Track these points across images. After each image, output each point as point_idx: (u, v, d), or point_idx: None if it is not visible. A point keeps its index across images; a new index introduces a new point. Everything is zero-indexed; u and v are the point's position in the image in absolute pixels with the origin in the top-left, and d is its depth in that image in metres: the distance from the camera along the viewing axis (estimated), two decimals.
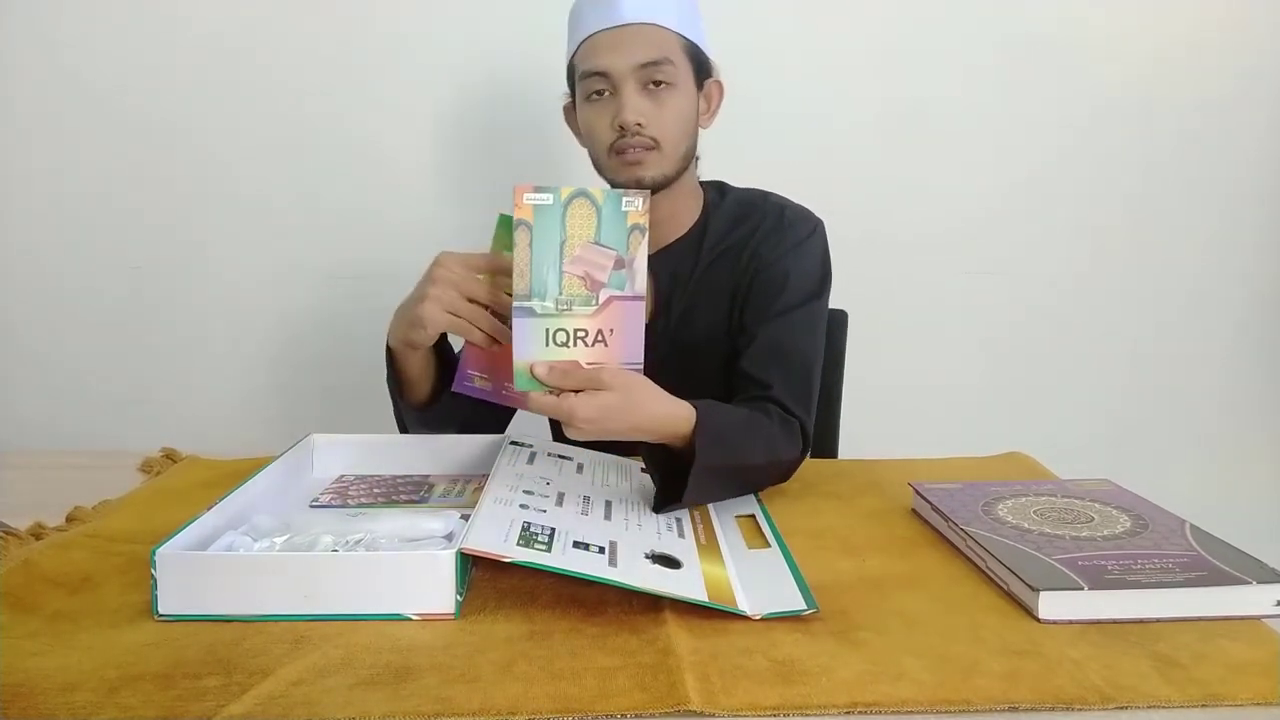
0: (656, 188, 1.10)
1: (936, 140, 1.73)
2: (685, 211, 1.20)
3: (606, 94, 1.10)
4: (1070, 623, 0.72)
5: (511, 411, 1.12)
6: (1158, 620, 0.73)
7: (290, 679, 0.63)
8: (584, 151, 1.17)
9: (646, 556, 0.80)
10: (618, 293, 0.87)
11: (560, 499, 0.90)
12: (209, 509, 0.81)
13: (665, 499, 0.93)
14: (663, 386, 0.92)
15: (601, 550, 0.78)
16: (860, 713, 0.61)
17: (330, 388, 1.74)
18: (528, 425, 1.14)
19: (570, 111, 1.20)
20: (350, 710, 0.60)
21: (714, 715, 0.60)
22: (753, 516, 0.96)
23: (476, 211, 1.66)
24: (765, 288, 1.15)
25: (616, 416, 0.87)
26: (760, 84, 1.63)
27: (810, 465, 1.09)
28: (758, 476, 1.01)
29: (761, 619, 0.73)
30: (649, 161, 1.09)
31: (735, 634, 0.71)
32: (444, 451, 1.10)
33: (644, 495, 0.97)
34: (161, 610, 0.72)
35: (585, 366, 0.87)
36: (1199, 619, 0.73)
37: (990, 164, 1.75)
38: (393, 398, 1.12)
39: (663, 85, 1.09)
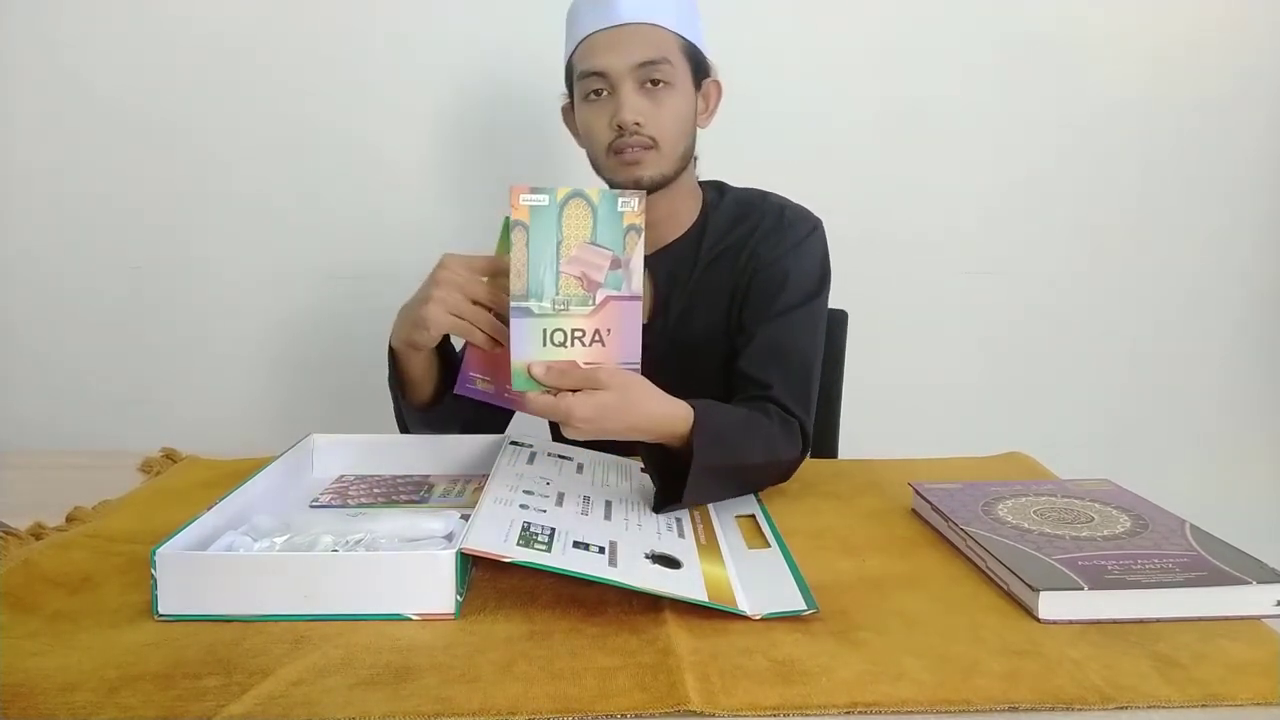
0: (655, 187, 1.10)
1: (936, 140, 1.73)
2: (684, 211, 1.20)
3: (605, 94, 1.10)
4: (1070, 623, 0.72)
5: (513, 413, 1.12)
6: (1158, 620, 0.73)
7: (290, 679, 0.63)
8: (583, 152, 1.17)
9: (646, 556, 0.80)
10: (614, 293, 0.87)
11: (560, 499, 0.90)
12: (209, 509, 0.81)
13: (665, 499, 0.93)
14: (661, 386, 0.92)
15: (601, 550, 0.78)
16: (860, 713, 0.61)
17: (330, 388, 1.74)
18: (528, 425, 1.14)
19: (568, 112, 1.20)
20: (350, 710, 0.60)
21: (714, 715, 0.60)
22: (753, 516, 0.96)
23: (476, 211, 1.68)
24: (764, 287, 1.15)
25: (614, 416, 0.87)
26: (759, 84, 1.64)
27: (810, 465, 1.09)
28: (757, 476, 1.01)
29: (761, 619, 0.73)
30: (647, 161, 1.09)
31: (735, 634, 0.71)
32: (444, 451, 1.10)
33: (644, 495, 0.97)
34: (161, 610, 0.72)
35: (583, 366, 0.87)
36: (1199, 619, 0.73)
37: (989, 164, 1.75)
38: (394, 398, 1.12)
39: (661, 85, 1.09)
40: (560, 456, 1.05)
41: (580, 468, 1.03)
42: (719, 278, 1.18)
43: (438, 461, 1.09)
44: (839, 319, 1.40)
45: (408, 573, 0.73)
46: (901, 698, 0.62)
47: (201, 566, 0.73)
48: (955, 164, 1.74)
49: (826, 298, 1.18)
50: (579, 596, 0.76)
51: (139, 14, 1.63)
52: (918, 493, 0.97)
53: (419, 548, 0.80)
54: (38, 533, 0.91)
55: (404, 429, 1.16)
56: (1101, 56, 1.73)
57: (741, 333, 1.15)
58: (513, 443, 1.06)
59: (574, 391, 0.86)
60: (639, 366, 0.89)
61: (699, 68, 1.14)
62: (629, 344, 0.88)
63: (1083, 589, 0.73)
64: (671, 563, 0.80)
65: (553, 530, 0.80)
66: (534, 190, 0.85)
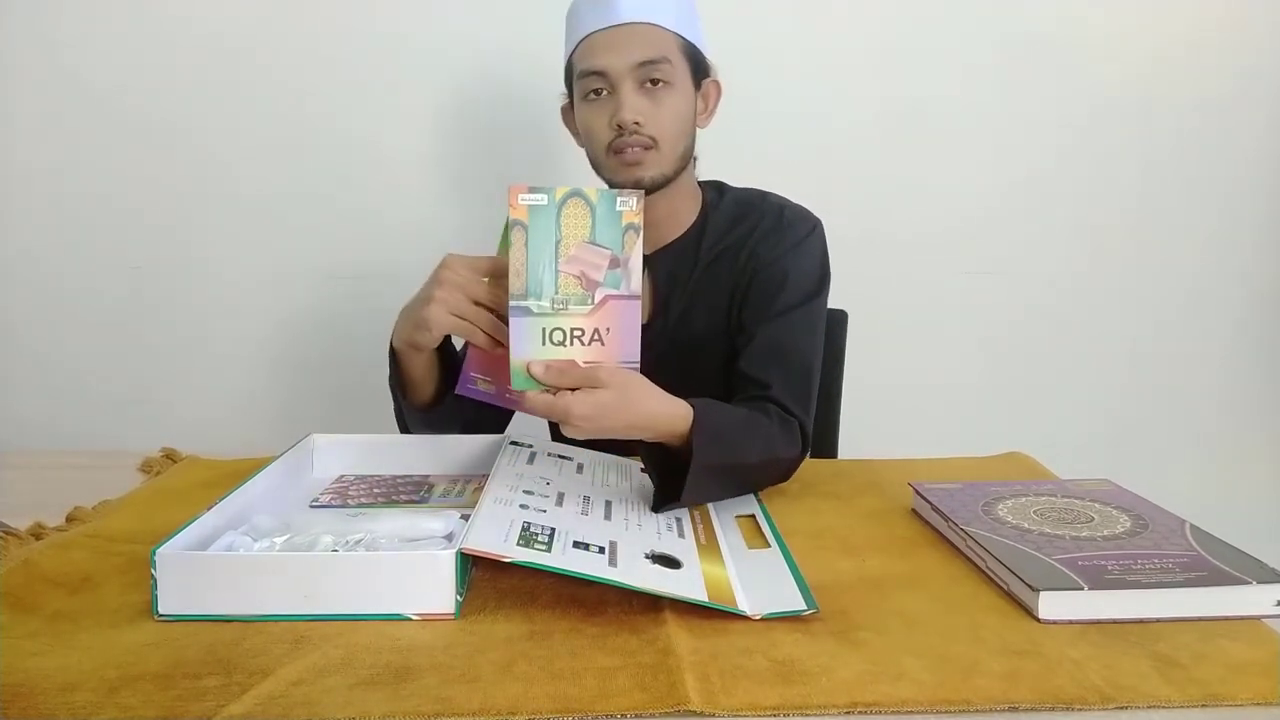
0: (655, 187, 1.10)
1: (936, 140, 1.73)
2: (684, 211, 1.20)
3: (604, 93, 1.10)
4: (1070, 623, 0.72)
5: (513, 413, 1.12)
6: (1158, 620, 0.73)
7: (290, 679, 0.63)
8: (583, 152, 1.17)
9: (646, 556, 0.80)
10: (613, 292, 0.87)
11: (560, 499, 0.90)
12: (209, 509, 0.81)
13: (664, 498, 0.93)
14: (661, 386, 0.92)
15: (601, 550, 0.78)
16: (860, 713, 0.61)
17: (330, 388, 1.74)
18: (527, 425, 1.14)
19: (568, 112, 1.20)
20: (350, 710, 0.60)
21: (714, 715, 0.60)
22: (753, 516, 0.96)
23: (476, 211, 1.68)
24: (764, 287, 1.15)
25: (613, 414, 0.87)
26: (759, 84, 1.64)
27: (810, 465, 1.09)
28: (756, 476, 1.01)
29: (761, 619, 0.73)
30: (648, 161, 1.09)
31: (735, 634, 0.71)
32: (444, 451, 1.10)
33: (644, 495, 0.97)
34: (161, 610, 0.72)
35: (582, 365, 0.87)
36: (1199, 619, 0.73)
37: (989, 163, 1.75)
38: (395, 398, 1.12)
39: (660, 84, 1.09)
40: (560, 456, 1.05)
41: (580, 468, 1.03)
42: (719, 278, 1.18)
43: (438, 461, 1.09)
44: (839, 319, 1.40)
45: (408, 573, 0.73)
46: (901, 698, 0.62)
47: (201, 566, 0.73)
48: (955, 164, 1.74)
49: (826, 298, 1.18)
50: (579, 596, 0.76)
51: (139, 14, 1.63)
52: (918, 493, 0.97)
53: (419, 548, 0.80)
54: (38, 533, 0.91)
55: (404, 429, 1.16)
56: (1101, 56, 1.73)
57: (741, 333, 1.15)
58: (513, 443, 1.06)
59: (573, 390, 0.86)
60: (638, 365, 0.89)
61: (699, 68, 1.14)
62: (628, 343, 0.89)
63: (1083, 589, 0.73)
64: (671, 563, 0.80)
65: (553, 530, 0.80)
66: (532, 189, 0.85)
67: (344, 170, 1.69)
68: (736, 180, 1.26)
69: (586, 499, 0.92)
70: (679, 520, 0.91)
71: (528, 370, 0.87)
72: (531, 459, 1.01)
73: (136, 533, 0.89)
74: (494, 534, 0.76)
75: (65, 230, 1.69)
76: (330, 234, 1.71)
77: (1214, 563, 0.77)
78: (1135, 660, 0.67)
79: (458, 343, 1.08)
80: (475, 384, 1.01)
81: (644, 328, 0.90)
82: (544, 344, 0.87)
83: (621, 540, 0.82)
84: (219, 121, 1.66)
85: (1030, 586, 0.74)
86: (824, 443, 1.40)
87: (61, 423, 1.72)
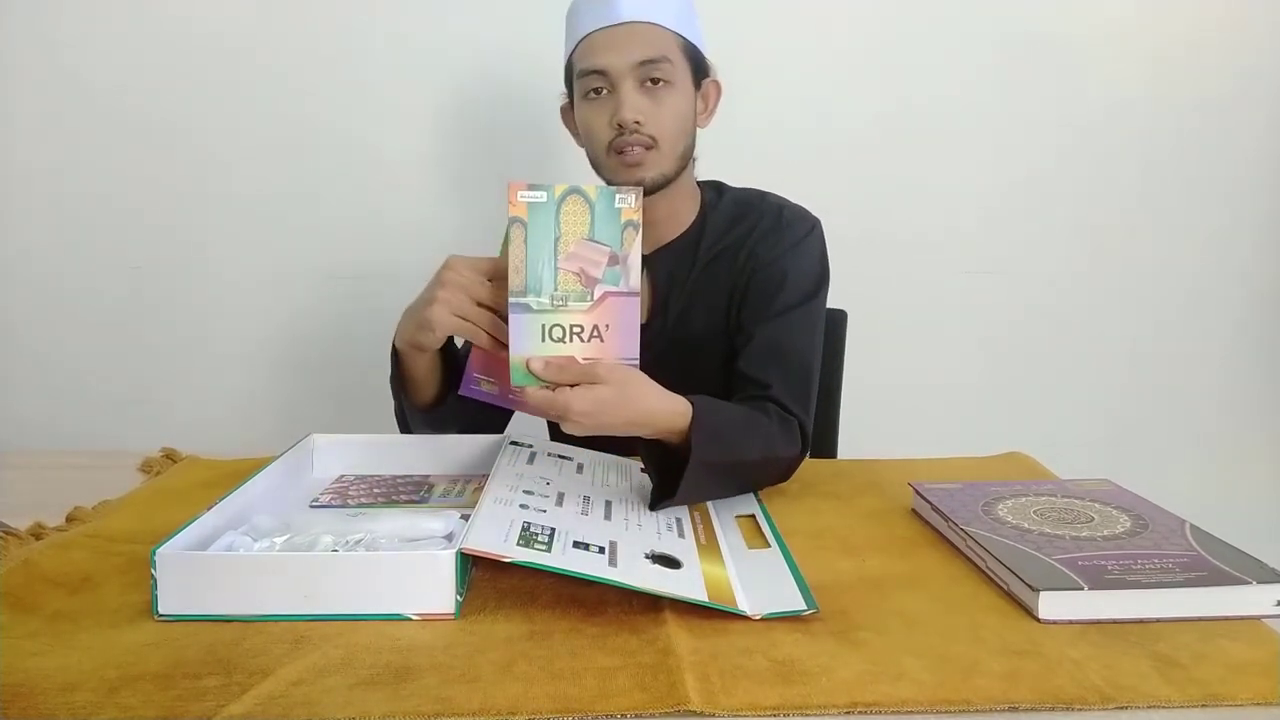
0: (655, 187, 1.10)
1: (936, 140, 1.73)
2: (683, 211, 1.20)
3: (605, 92, 1.10)
4: (1070, 623, 0.72)
5: (513, 412, 1.12)
6: (1158, 620, 0.73)
7: (290, 679, 0.63)
8: (583, 152, 1.17)
9: (646, 556, 0.80)
10: (612, 288, 0.88)
11: (560, 499, 0.90)
12: (209, 509, 0.81)
13: (661, 495, 0.93)
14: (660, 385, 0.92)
15: (601, 550, 0.78)
16: (860, 713, 0.61)
17: (330, 388, 1.74)
18: (527, 425, 1.14)
19: (567, 111, 1.20)
20: (350, 710, 0.60)
21: (714, 715, 0.60)
22: (753, 516, 0.96)
23: (476, 211, 1.68)
24: (763, 287, 1.15)
25: (612, 410, 0.87)
26: (759, 84, 1.64)
27: (810, 465, 1.09)
28: (755, 474, 1.01)
29: (761, 619, 0.73)
30: (648, 161, 1.09)
31: (735, 634, 0.71)
32: (444, 451, 1.10)
33: (644, 495, 0.97)
34: (161, 610, 0.72)
35: (581, 361, 0.87)
36: (1199, 619, 0.73)
37: (989, 164, 1.75)
38: (396, 398, 1.12)
39: (661, 83, 1.09)
40: (560, 456, 1.05)
41: (580, 468, 1.03)
42: (718, 277, 1.18)
43: (438, 461, 1.09)
44: (839, 319, 1.40)
45: (408, 573, 0.73)
46: (901, 698, 0.62)
47: (201, 566, 0.73)
48: (955, 164, 1.74)
49: (825, 297, 1.18)
50: (579, 596, 0.76)
51: (139, 14, 1.63)
52: (918, 493, 0.97)
53: (419, 548, 0.80)
54: (38, 533, 0.91)
55: (404, 429, 1.16)
56: (1101, 56, 1.73)
57: (740, 333, 1.15)
58: (513, 443, 1.06)
59: (572, 386, 0.86)
60: (638, 361, 0.90)
61: (698, 67, 1.14)
62: (627, 340, 0.89)
63: (1083, 589, 0.73)
64: (671, 563, 0.80)
65: (553, 530, 0.80)
66: (532, 187, 0.86)
67: (344, 170, 1.69)
68: (736, 180, 1.26)
69: (586, 499, 0.92)
70: (679, 520, 0.91)
71: (527, 366, 0.87)
72: (531, 459, 1.01)
73: (136, 533, 0.89)
74: (494, 534, 0.76)
75: (65, 230, 1.69)
76: (330, 234, 1.71)
77: (1214, 563, 0.77)
78: (1135, 660, 0.67)
79: (458, 343, 1.08)
80: (478, 385, 1.02)
81: (643, 327, 0.90)
82: (543, 340, 0.87)
83: (621, 540, 0.82)
84: (219, 121, 1.66)
85: (1030, 586, 0.74)
86: (824, 443, 1.40)
87: (61, 423, 1.72)
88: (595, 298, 0.87)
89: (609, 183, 1.12)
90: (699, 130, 1.17)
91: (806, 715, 0.61)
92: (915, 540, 0.91)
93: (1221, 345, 1.85)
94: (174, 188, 1.68)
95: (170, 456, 1.18)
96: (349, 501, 0.98)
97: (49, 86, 1.64)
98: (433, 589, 0.73)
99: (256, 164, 1.68)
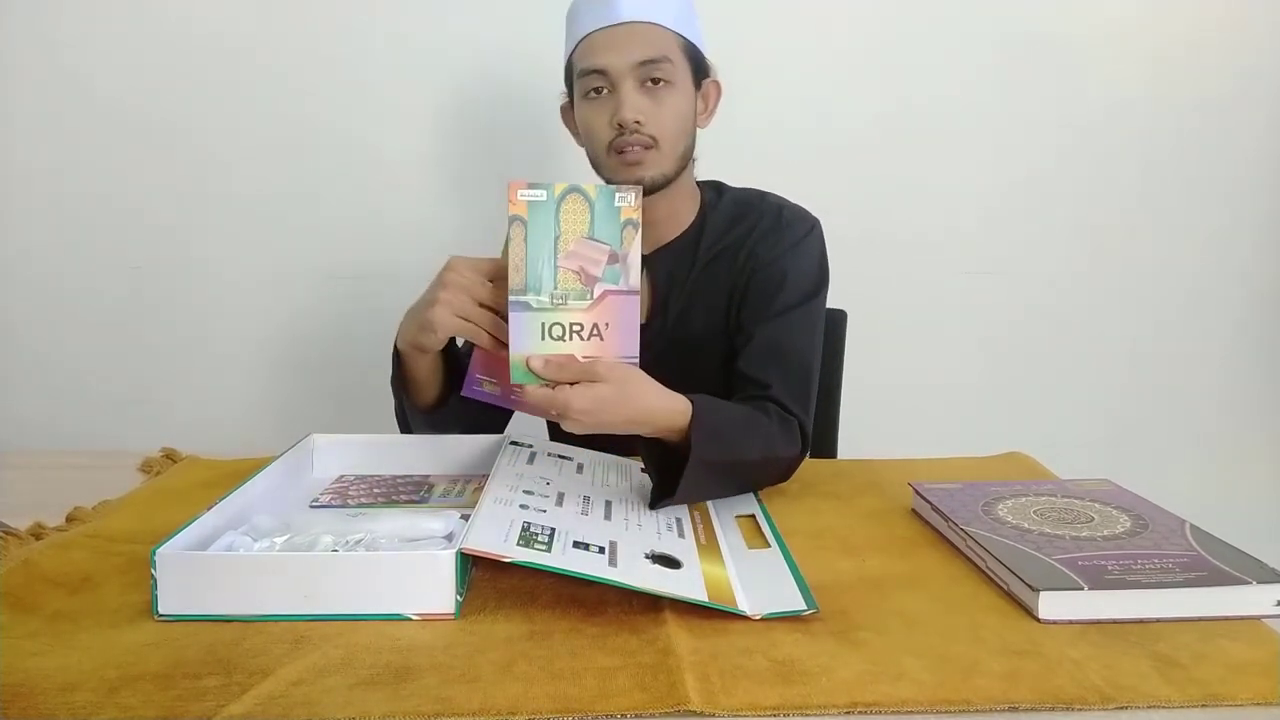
0: (655, 187, 1.10)
1: (936, 140, 1.73)
2: (683, 211, 1.20)
3: (605, 92, 1.10)
4: (1070, 623, 0.72)
5: (514, 412, 1.12)
6: (1158, 620, 0.73)
7: (290, 679, 0.63)
8: (583, 152, 1.17)
9: (646, 556, 0.80)
10: (612, 287, 0.88)
11: (560, 499, 0.90)
12: (209, 509, 0.81)
13: (660, 494, 0.93)
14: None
15: (601, 550, 0.78)
16: (860, 713, 0.61)
17: (330, 388, 1.74)
18: (527, 425, 1.14)
19: (567, 111, 1.20)
20: (350, 710, 0.60)
21: (714, 715, 0.60)
22: (753, 516, 0.96)
23: (476, 211, 1.68)
24: (763, 287, 1.15)
25: (611, 408, 0.87)
26: (759, 84, 1.64)
27: (810, 465, 1.09)
28: (755, 474, 1.01)
29: (761, 619, 0.73)
30: (648, 161, 1.09)
31: (735, 634, 0.71)
32: (444, 451, 1.10)
33: (644, 495, 0.97)
34: (161, 610, 0.72)
35: (581, 360, 0.87)
36: (1199, 619, 0.73)
37: (989, 164, 1.75)
38: (397, 398, 1.12)
39: (661, 83, 1.09)
40: (560, 456, 1.05)
41: (580, 468, 1.03)
42: (717, 277, 1.18)
43: (438, 461, 1.09)
44: (839, 319, 1.40)
45: (408, 573, 0.73)
46: (901, 698, 0.62)
47: (201, 566, 0.73)
48: (955, 164, 1.74)
49: (825, 297, 1.18)
50: (579, 596, 0.76)
51: (139, 14, 1.63)
52: (918, 493, 0.97)
53: (419, 548, 0.80)
54: (38, 533, 0.91)
55: (405, 429, 1.16)
56: (1101, 56, 1.73)
57: (740, 333, 1.15)
58: (513, 443, 1.06)
59: (572, 384, 0.86)
60: (637, 360, 0.90)
61: (699, 67, 1.14)
62: (627, 338, 0.89)
63: (1083, 589, 0.73)
64: (671, 563, 0.80)
65: (553, 530, 0.80)
66: (531, 185, 0.86)
67: (344, 170, 1.69)
68: (736, 180, 1.26)
69: (586, 499, 0.92)
70: (679, 520, 0.91)
71: (527, 365, 0.87)
72: (531, 459, 1.01)
73: (136, 533, 0.89)
74: (494, 534, 0.76)
75: (65, 230, 1.69)
76: (330, 234, 1.71)
77: (1214, 563, 0.77)
78: (1135, 660, 0.67)
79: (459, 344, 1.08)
80: (481, 385, 1.02)
81: (642, 327, 0.90)
82: (543, 339, 0.87)
83: (621, 540, 0.82)
84: (219, 121, 1.66)
85: (1030, 586, 0.74)
86: (824, 443, 1.40)
87: (61, 423, 1.72)
88: (595, 296, 0.87)
89: (609, 182, 1.12)
90: (699, 130, 1.17)
91: (806, 715, 0.61)
92: (915, 540, 0.91)
93: (1221, 345, 1.85)
94: (174, 188, 1.68)
95: (170, 456, 1.18)
96: (349, 501, 0.98)
97: (49, 86, 1.64)
98: (433, 589, 0.73)
99: (256, 164, 1.68)
